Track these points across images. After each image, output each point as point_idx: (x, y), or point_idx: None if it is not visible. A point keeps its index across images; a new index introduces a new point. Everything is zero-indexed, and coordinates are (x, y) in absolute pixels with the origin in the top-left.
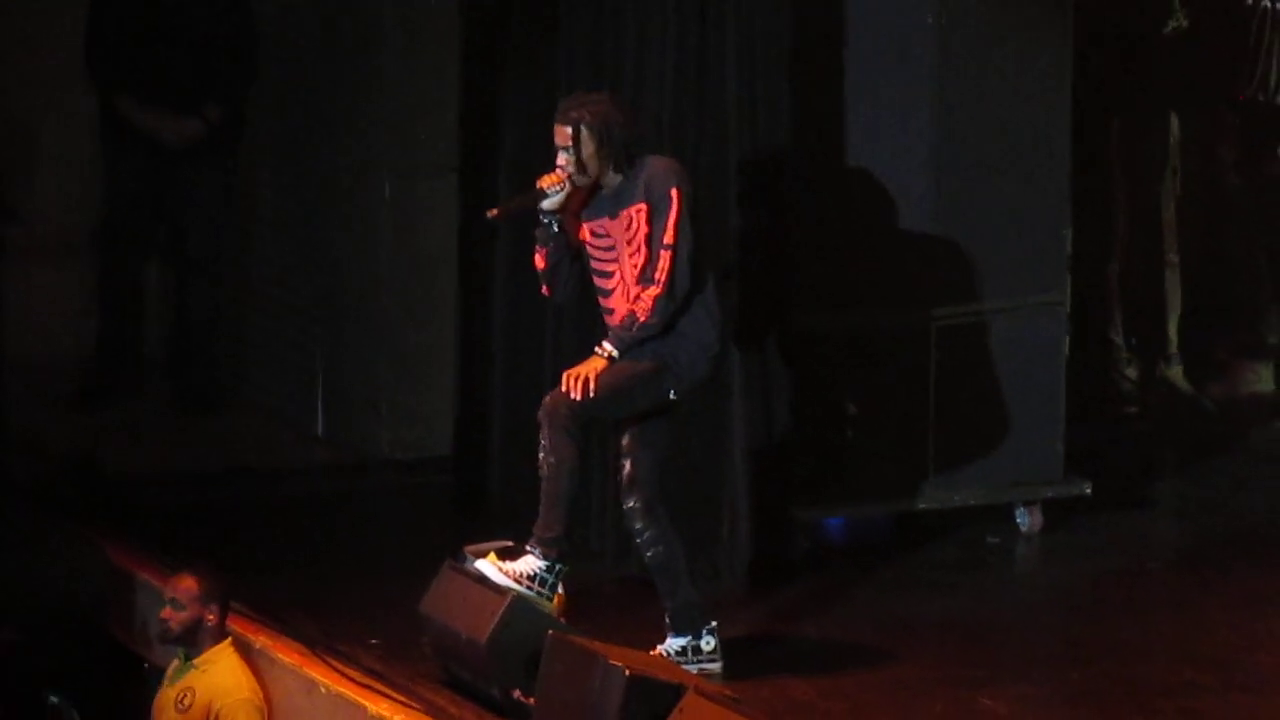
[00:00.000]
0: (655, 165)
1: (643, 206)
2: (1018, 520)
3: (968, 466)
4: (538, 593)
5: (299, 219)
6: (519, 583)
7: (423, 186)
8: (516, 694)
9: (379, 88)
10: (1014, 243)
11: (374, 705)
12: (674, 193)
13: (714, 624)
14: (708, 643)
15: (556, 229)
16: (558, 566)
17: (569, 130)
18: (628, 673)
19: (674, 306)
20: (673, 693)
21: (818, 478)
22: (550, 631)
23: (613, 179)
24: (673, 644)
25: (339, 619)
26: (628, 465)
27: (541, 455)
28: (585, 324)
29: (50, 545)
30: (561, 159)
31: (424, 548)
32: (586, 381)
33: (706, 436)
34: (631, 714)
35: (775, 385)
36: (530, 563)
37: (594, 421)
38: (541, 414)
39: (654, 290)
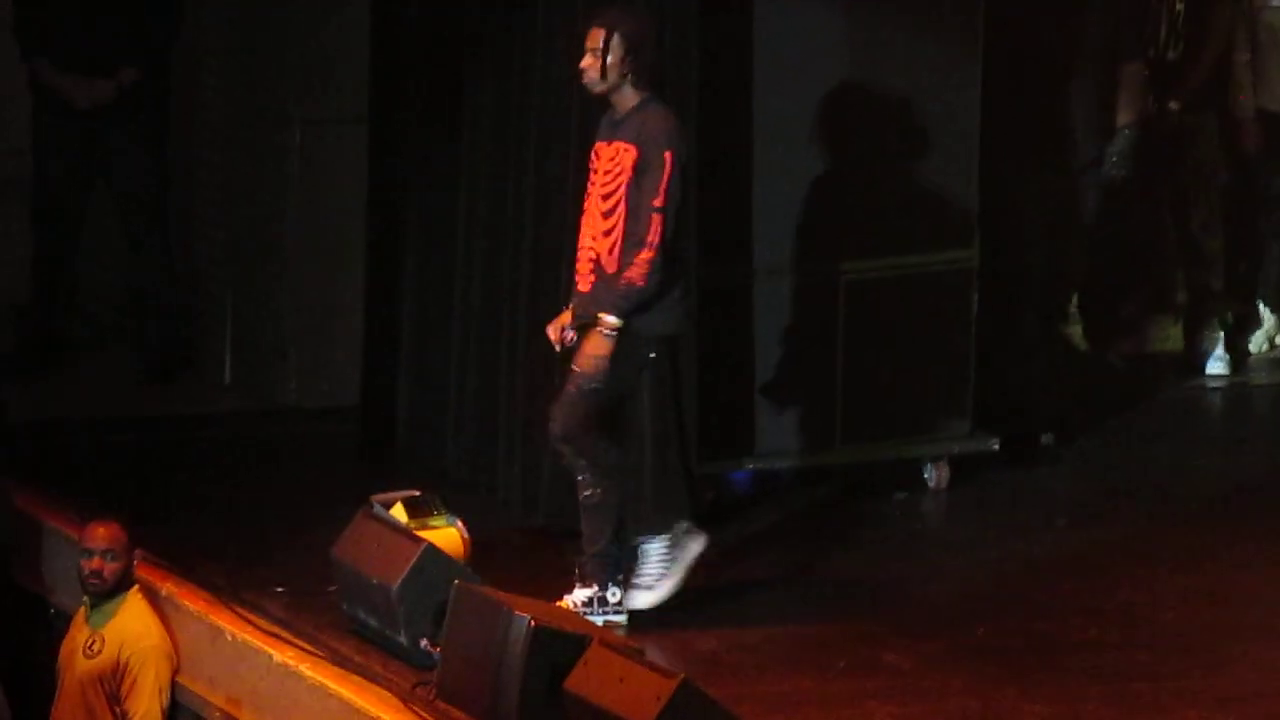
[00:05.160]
0: (656, 116)
1: (631, 149)
2: (925, 476)
3: (875, 421)
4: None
5: (208, 168)
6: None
7: (332, 135)
8: (424, 643)
9: (290, 36)
10: (925, 201)
11: (279, 653)
12: (668, 156)
13: (620, 577)
14: (613, 594)
15: None
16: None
17: (601, 33)
18: (532, 623)
19: (660, 266)
20: (577, 644)
21: (724, 431)
22: (456, 581)
23: (625, 99)
24: (579, 594)
25: (245, 566)
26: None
27: (582, 478)
28: (492, 274)
29: None
30: (586, 60)
31: (330, 497)
32: (600, 361)
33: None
34: (536, 664)
35: (683, 338)
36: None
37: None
38: (559, 439)
39: (646, 254)
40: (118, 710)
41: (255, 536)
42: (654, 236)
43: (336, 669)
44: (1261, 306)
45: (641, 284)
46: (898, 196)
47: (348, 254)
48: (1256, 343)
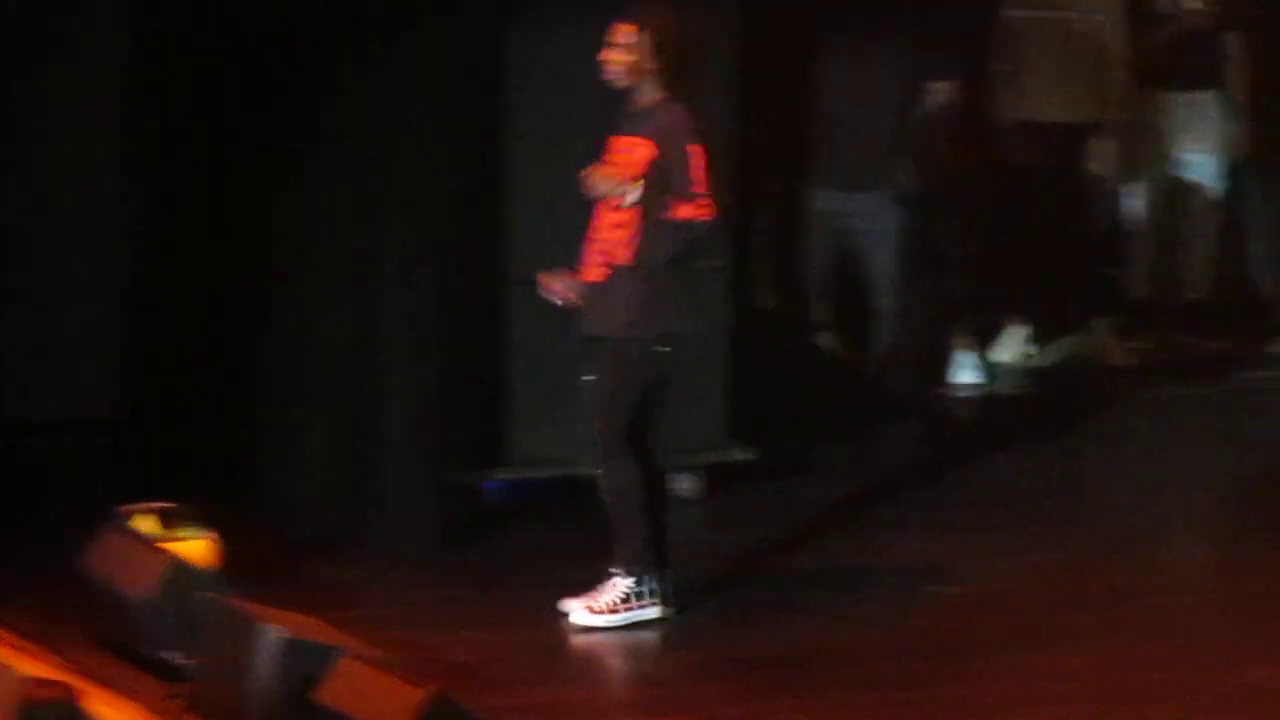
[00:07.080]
0: (675, 113)
1: (648, 144)
2: (679, 485)
3: None
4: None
5: None
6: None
7: (82, 150)
8: (174, 655)
9: (38, 48)
10: None
11: (23, 667)
12: (694, 149)
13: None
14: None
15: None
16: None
17: (627, 28)
18: (281, 635)
19: (699, 241)
20: (327, 655)
21: (475, 441)
22: (206, 594)
23: (645, 96)
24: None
25: None
26: None
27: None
28: (247, 278)
29: None
30: (611, 53)
31: (81, 508)
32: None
33: (363, 397)
34: (285, 676)
35: (432, 347)
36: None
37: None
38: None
39: (707, 214)
40: None
41: (2, 549)
42: (708, 214)
43: (85, 682)
44: (1012, 318)
45: (706, 219)
46: None
47: (104, 262)
48: (1007, 352)
